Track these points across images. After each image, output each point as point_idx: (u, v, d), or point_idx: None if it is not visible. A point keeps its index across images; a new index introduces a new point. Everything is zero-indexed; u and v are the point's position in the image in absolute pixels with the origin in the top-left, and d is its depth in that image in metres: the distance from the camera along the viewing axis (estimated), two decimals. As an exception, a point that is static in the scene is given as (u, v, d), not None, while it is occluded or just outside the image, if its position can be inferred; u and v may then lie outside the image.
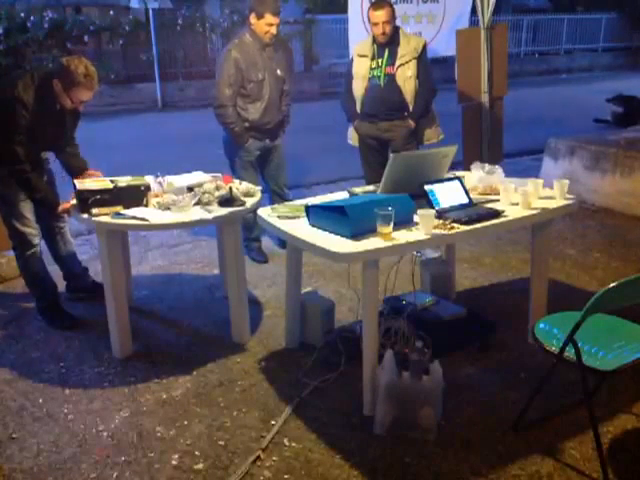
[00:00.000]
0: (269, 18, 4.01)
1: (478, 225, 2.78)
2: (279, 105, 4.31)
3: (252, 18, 4.06)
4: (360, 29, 5.24)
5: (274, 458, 2.49)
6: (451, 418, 2.70)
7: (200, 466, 2.45)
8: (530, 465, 2.43)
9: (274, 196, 4.48)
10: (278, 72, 4.24)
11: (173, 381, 3.03)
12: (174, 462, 2.48)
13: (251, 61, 4.08)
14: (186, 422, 2.72)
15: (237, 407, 2.82)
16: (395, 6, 4.46)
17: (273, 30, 4.06)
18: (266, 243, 4.69)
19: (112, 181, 3.17)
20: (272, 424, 2.68)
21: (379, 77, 4.37)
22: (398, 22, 4.41)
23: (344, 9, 5.46)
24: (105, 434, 2.65)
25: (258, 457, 2.48)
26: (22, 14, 11.53)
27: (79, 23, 12.20)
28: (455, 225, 2.74)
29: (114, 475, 2.41)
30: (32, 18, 11.55)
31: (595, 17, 19.00)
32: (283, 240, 4.44)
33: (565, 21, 18.40)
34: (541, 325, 2.57)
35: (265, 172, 4.48)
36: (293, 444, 2.57)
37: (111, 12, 12.63)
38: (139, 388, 2.98)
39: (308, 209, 2.82)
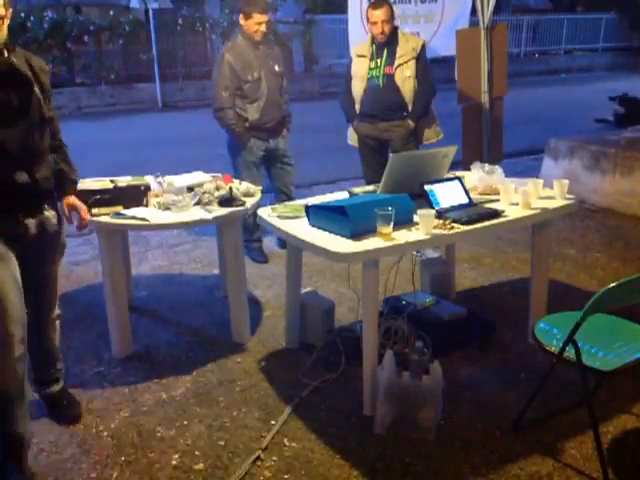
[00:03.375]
0: (257, 17, 4.04)
1: (478, 225, 2.78)
2: (279, 102, 4.32)
3: (241, 19, 4.11)
4: (360, 30, 5.25)
5: (274, 458, 2.49)
6: (451, 418, 2.70)
7: (200, 466, 2.45)
8: (530, 465, 2.43)
9: (281, 195, 4.47)
10: (276, 68, 4.25)
11: (173, 381, 3.03)
12: (174, 462, 2.48)
13: (245, 62, 4.10)
14: (186, 422, 2.72)
15: (237, 407, 2.82)
16: (394, 6, 4.46)
17: (263, 28, 4.08)
18: (266, 243, 4.69)
19: (112, 181, 3.17)
20: (272, 424, 2.68)
21: (378, 77, 4.36)
22: (396, 22, 4.41)
23: (344, 9, 5.47)
24: (105, 434, 2.65)
25: (258, 457, 2.48)
26: (22, 14, 11.54)
27: (79, 23, 12.21)
28: (455, 225, 2.74)
29: (114, 475, 2.41)
30: (32, 18, 11.56)
31: (595, 17, 19.01)
32: (283, 240, 4.44)
33: (565, 21, 18.40)
34: (541, 325, 2.57)
35: (272, 171, 4.48)
36: (293, 444, 2.57)
37: (111, 12, 12.63)
38: (139, 388, 2.98)
39: (308, 209, 2.82)
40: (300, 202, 3.12)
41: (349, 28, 5.40)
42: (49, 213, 2.44)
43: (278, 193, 4.51)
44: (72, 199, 2.58)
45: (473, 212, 2.87)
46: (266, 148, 4.30)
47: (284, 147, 4.43)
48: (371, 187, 3.27)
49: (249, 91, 4.14)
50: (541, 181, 3.21)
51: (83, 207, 2.61)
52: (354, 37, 5.27)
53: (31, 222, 2.35)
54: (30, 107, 2.31)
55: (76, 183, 2.63)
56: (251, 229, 4.36)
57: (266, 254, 4.53)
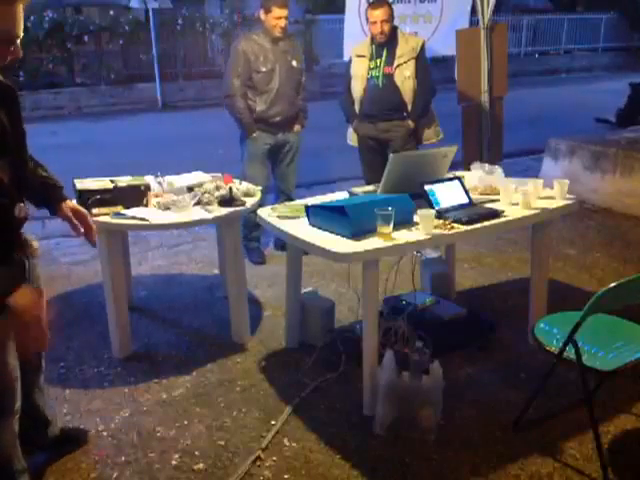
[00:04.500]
0: (276, 11, 4.08)
1: (478, 225, 2.78)
2: (292, 98, 4.30)
3: (262, 14, 4.16)
4: (356, 30, 5.25)
5: (274, 458, 2.49)
6: (451, 418, 2.70)
7: (200, 466, 2.45)
8: (530, 465, 2.43)
9: (281, 195, 4.47)
10: (294, 64, 4.27)
11: (173, 381, 3.03)
12: (174, 462, 2.48)
13: (260, 53, 4.14)
14: (186, 422, 2.72)
15: (237, 407, 2.82)
16: (392, 6, 4.47)
17: (282, 23, 4.12)
18: (265, 244, 4.68)
19: (112, 181, 3.16)
20: (272, 424, 2.68)
21: (377, 77, 4.36)
22: (395, 22, 4.42)
23: (344, 9, 5.47)
24: (105, 434, 2.65)
25: (258, 457, 2.48)
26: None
27: (79, 23, 12.20)
28: (455, 225, 2.74)
29: (114, 475, 2.41)
30: (32, 18, 11.55)
31: (595, 17, 18.99)
32: (280, 242, 4.43)
33: (565, 21, 18.38)
34: (541, 325, 2.57)
35: (276, 170, 4.48)
36: (293, 444, 2.57)
37: (111, 12, 12.62)
38: (139, 388, 2.98)
39: (308, 209, 2.82)
40: (300, 202, 3.12)
41: (345, 28, 5.42)
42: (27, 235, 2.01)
43: (279, 193, 4.50)
44: (73, 203, 2.28)
45: (473, 212, 2.87)
46: (275, 142, 4.30)
47: (294, 143, 4.40)
48: (371, 187, 3.27)
49: (259, 82, 4.15)
50: (541, 181, 3.21)
51: (85, 210, 2.31)
52: (350, 37, 5.28)
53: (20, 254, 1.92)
54: (19, 124, 1.82)
55: (63, 187, 2.28)
56: (251, 227, 4.35)
57: (264, 255, 4.52)
